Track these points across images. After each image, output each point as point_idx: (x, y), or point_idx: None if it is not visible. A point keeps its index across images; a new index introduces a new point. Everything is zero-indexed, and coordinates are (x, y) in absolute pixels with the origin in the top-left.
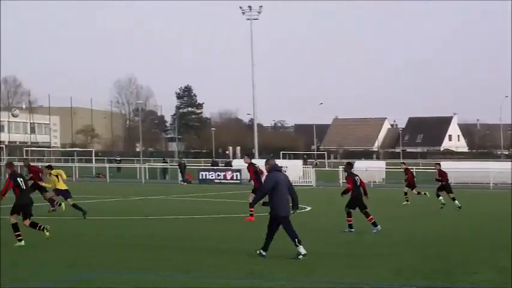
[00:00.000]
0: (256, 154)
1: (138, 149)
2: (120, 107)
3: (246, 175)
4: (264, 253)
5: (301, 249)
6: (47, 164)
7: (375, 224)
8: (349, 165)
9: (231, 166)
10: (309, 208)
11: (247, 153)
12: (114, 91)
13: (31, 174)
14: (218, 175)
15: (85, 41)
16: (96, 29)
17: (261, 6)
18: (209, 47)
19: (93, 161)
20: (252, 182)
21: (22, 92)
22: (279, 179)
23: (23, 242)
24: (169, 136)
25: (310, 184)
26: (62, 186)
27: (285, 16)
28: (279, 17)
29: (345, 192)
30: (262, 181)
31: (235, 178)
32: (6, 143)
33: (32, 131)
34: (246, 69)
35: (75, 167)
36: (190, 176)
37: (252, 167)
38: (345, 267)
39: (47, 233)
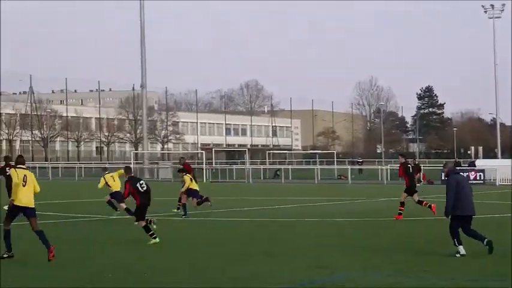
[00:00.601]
0: (499, 154)
1: (378, 151)
2: (361, 108)
3: (489, 175)
4: (462, 252)
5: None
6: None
7: None
8: None
9: (475, 166)
10: None
11: (402, 153)
12: (355, 93)
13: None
14: None
15: (325, 41)
16: (336, 30)
17: (504, 4)
18: (450, 47)
19: (335, 163)
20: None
21: (264, 96)
22: (459, 180)
23: (157, 239)
24: (410, 137)
25: None
26: (193, 186)
27: None
28: None
29: None
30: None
31: (478, 178)
32: (249, 146)
33: (274, 134)
34: (487, 68)
35: (317, 169)
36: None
37: (402, 166)
38: None
39: (151, 242)
